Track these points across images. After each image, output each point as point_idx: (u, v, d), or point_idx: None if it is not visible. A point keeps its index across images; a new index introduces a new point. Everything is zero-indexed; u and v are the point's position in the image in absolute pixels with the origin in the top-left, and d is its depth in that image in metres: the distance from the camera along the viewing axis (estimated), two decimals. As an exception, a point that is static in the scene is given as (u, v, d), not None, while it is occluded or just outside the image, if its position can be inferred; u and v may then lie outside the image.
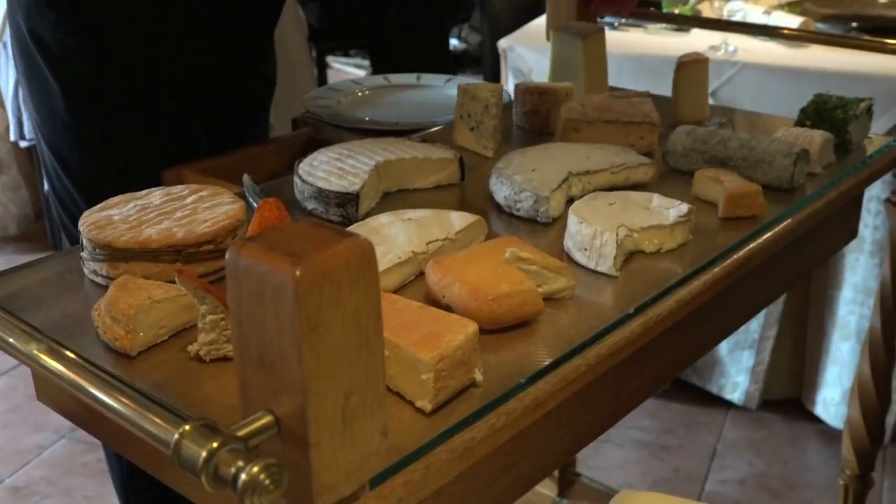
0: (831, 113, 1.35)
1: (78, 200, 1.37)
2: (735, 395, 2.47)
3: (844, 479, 1.72)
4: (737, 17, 2.48)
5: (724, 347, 2.43)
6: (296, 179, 1.15)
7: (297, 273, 0.52)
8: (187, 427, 0.55)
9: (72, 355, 0.68)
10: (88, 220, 0.98)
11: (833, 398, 2.34)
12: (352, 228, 1.02)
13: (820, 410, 2.39)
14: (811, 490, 2.22)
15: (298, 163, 1.18)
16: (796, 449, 2.37)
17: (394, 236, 0.99)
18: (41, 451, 2.40)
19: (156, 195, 1.04)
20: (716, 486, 2.24)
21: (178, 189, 1.05)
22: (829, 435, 2.37)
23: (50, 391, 0.96)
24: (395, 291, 0.94)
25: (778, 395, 2.48)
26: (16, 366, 2.73)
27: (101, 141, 1.36)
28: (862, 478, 1.70)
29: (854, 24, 2.38)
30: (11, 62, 2.86)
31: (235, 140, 1.47)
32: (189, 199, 1.02)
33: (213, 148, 1.45)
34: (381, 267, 0.93)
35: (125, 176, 1.24)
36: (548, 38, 1.59)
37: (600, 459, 2.32)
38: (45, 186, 1.64)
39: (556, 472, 2.12)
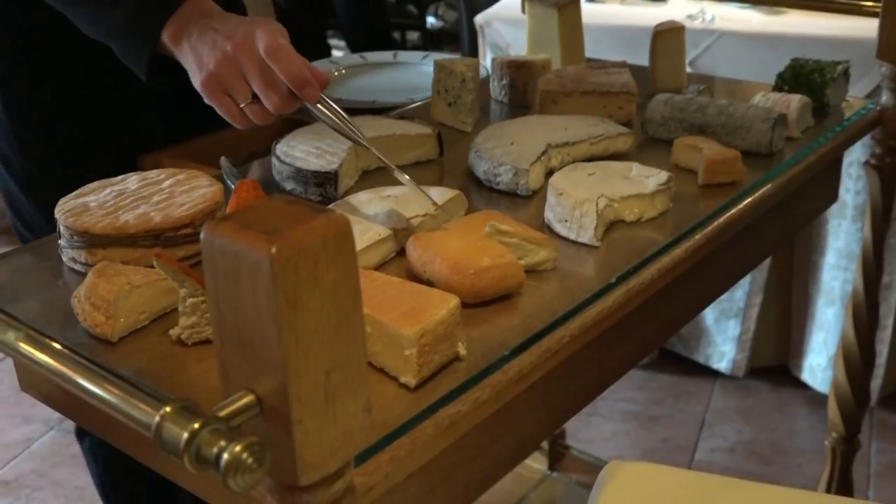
0: (808, 77, 1.35)
1: (24, 202, 1.31)
2: (722, 363, 2.48)
3: (832, 442, 1.73)
4: (713, -14, 2.47)
5: (709, 317, 2.44)
6: (273, 160, 1.15)
7: (273, 251, 0.52)
8: (168, 409, 0.55)
9: (51, 343, 0.67)
10: (65, 208, 0.97)
11: (819, 364, 2.35)
12: (331, 207, 1.01)
13: (807, 376, 2.41)
14: (800, 455, 2.24)
15: (276, 143, 1.17)
16: (784, 415, 2.38)
17: (374, 214, 0.99)
18: (30, 443, 2.39)
19: (132, 180, 1.03)
20: (705, 454, 2.25)
21: (154, 173, 1.04)
22: (816, 400, 2.38)
23: (33, 381, 0.95)
24: (377, 268, 0.94)
25: (765, 363, 2.50)
26: (1, 359, 2.71)
27: (42, 142, 1.28)
28: (849, 441, 1.71)
29: (830, -11, 2.38)
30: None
31: (205, 125, 1.41)
32: (166, 183, 1.01)
33: (178, 135, 1.36)
34: (362, 244, 0.92)
35: (69, 177, 1.15)
36: (523, 11, 1.58)
37: (590, 432, 2.33)
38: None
39: (546, 446, 2.13)
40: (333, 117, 1.04)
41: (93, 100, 1.28)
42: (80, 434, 1.50)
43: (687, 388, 2.49)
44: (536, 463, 2.14)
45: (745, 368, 2.47)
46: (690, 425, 2.35)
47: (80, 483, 2.23)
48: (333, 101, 1.50)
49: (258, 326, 0.55)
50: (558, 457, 2.16)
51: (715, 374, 2.52)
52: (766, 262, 2.29)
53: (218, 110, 1.02)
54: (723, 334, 2.44)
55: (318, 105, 1.03)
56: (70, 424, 2.37)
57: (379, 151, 1.20)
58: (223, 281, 0.55)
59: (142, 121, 1.33)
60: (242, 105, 1.01)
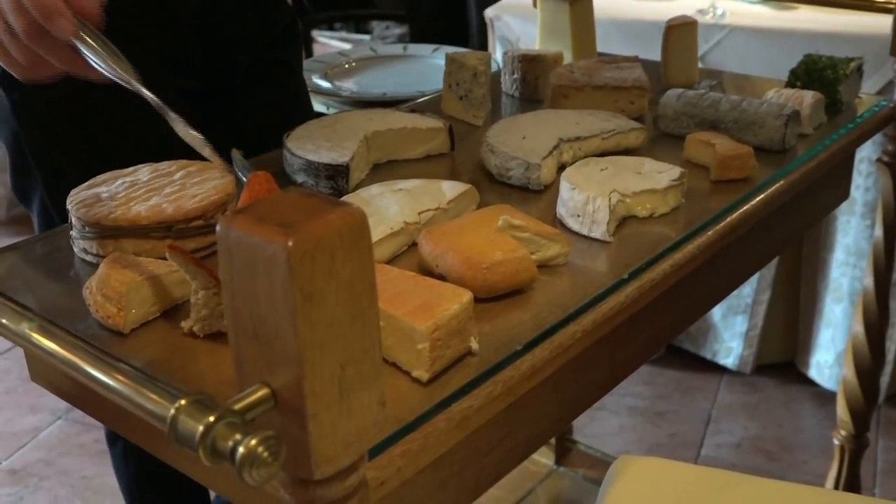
0: (821, 73, 1.35)
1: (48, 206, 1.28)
2: (729, 360, 2.47)
3: (839, 439, 1.72)
4: (724, -19, 2.46)
5: (717, 313, 2.44)
6: (285, 153, 1.14)
7: (290, 244, 0.52)
8: (183, 402, 0.54)
9: (64, 334, 0.67)
10: (76, 199, 0.97)
11: (827, 360, 2.35)
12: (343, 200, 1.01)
13: (814, 373, 2.40)
14: (806, 452, 2.23)
15: (287, 136, 1.17)
16: (791, 412, 2.38)
17: (385, 207, 0.99)
18: (37, 432, 2.40)
19: (143, 171, 1.03)
20: (711, 450, 2.25)
21: (165, 165, 1.04)
22: (823, 397, 2.38)
23: (43, 371, 0.95)
24: (389, 262, 0.94)
25: (772, 359, 2.49)
26: (10, 348, 2.72)
27: (57, 151, 1.25)
28: (857, 438, 1.71)
29: (842, -15, 2.37)
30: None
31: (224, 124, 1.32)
32: (178, 175, 1.01)
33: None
34: (374, 238, 0.92)
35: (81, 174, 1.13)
36: (534, 5, 1.58)
37: (596, 427, 2.33)
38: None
39: (553, 440, 2.13)
40: (98, 54, 0.90)
41: (107, 102, 1.25)
42: (112, 439, 1.47)
43: (693, 383, 2.49)
44: (543, 458, 2.14)
45: (752, 365, 2.46)
46: (697, 421, 2.35)
47: (87, 473, 2.24)
48: (343, 95, 1.51)
49: (273, 319, 0.54)
50: (565, 451, 2.16)
51: (722, 369, 2.51)
52: (775, 259, 2.29)
53: None
54: (730, 330, 2.44)
55: (82, 39, 0.89)
56: (78, 414, 2.38)
57: (390, 145, 1.20)
58: (239, 274, 0.55)
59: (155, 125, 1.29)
60: (4, 42, 0.89)
